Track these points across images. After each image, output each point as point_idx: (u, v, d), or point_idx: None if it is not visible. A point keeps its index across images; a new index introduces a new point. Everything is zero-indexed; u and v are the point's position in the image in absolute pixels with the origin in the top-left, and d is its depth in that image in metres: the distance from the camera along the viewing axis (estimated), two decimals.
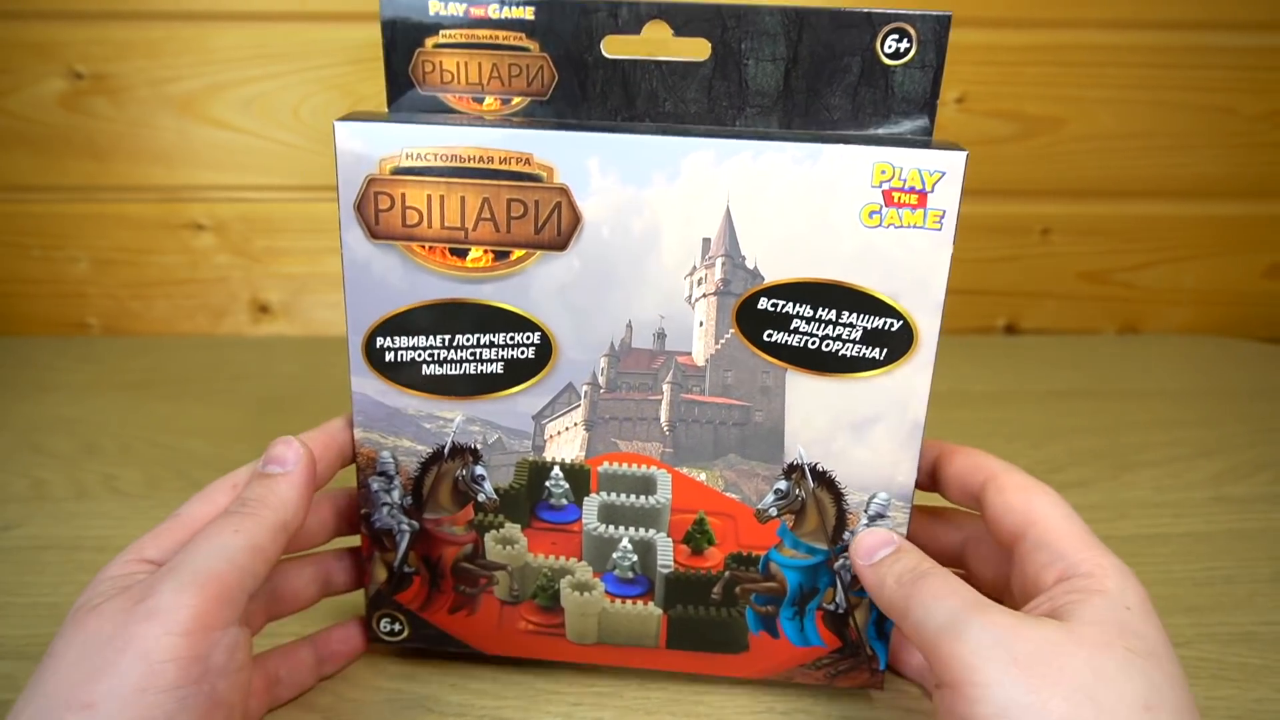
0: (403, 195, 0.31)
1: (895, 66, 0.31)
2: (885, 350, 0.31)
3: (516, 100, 0.33)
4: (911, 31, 0.31)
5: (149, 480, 0.52)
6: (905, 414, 0.32)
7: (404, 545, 0.35)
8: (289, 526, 0.31)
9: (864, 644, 0.35)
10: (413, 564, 0.36)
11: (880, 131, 0.32)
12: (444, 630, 0.37)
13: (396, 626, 0.37)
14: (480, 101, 0.33)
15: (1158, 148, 0.69)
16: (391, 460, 0.34)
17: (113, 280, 0.71)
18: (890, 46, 0.31)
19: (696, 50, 0.32)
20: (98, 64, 0.65)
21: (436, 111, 0.33)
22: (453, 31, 0.32)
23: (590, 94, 0.32)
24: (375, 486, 0.35)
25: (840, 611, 0.35)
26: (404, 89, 0.33)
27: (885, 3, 0.31)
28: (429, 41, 0.32)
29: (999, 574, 0.34)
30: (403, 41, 0.32)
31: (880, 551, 0.32)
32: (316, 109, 0.66)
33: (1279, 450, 0.57)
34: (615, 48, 0.32)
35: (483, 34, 0.32)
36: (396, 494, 0.35)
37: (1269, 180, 0.70)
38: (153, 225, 0.70)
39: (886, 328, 0.31)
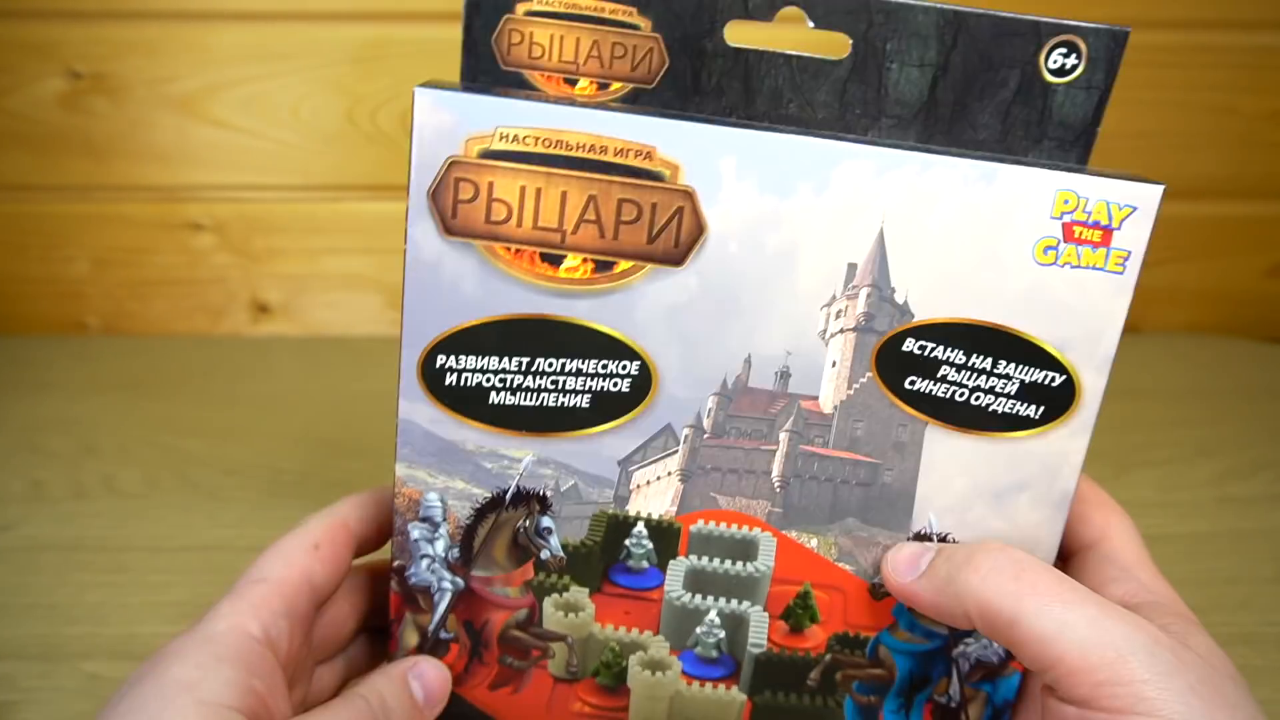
0: (490, 185, 0.26)
1: (1058, 85, 0.27)
2: (1042, 409, 0.27)
3: (616, 86, 0.28)
4: (1082, 46, 0.27)
5: (147, 480, 0.52)
6: (1054, 483, 0.28)
7: (443, 606, 0.30)
8: None
9: None
10: (451, 628, 0.31)
11: (1028, 160, 0.28)
12: (481, 709, 0.31)
13: None
14: (573, 83, 0.28)
15: (1158, 147, 0.69)
16: (439, 504, 0.29)
17: (111, 280, 0.71)
18: (1055, 61, 0.27)
19: (834, 47, 0.27)
20: (96, 63, 0.65)
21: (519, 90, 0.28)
22: None
23: (704, 86, 0.28)
24: (416, 534, 0.30)
25: (953, 706, 0.30)
26: (484, 63, 0.27)
27: (1054, 11, 0.27)
28: (520, 7, 0.27)
29: None
30: (489, 5, 0.27)
31: (924, 559, 0.28)
32: (316, 109, 0.66)
33: None
34: (740, 35, 0.27)
35: (586, 3, 0.27)
36: (441, 545, 0.30)
37: (1270, 180, 0.70)
38: (151, 225, 0.69)
39: (1047, 382, 0.27)
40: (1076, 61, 0.27)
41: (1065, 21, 0.27)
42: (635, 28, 0.27)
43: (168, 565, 0.45)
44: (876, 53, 0.27)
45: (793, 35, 0.29)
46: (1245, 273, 0.74)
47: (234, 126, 0.67)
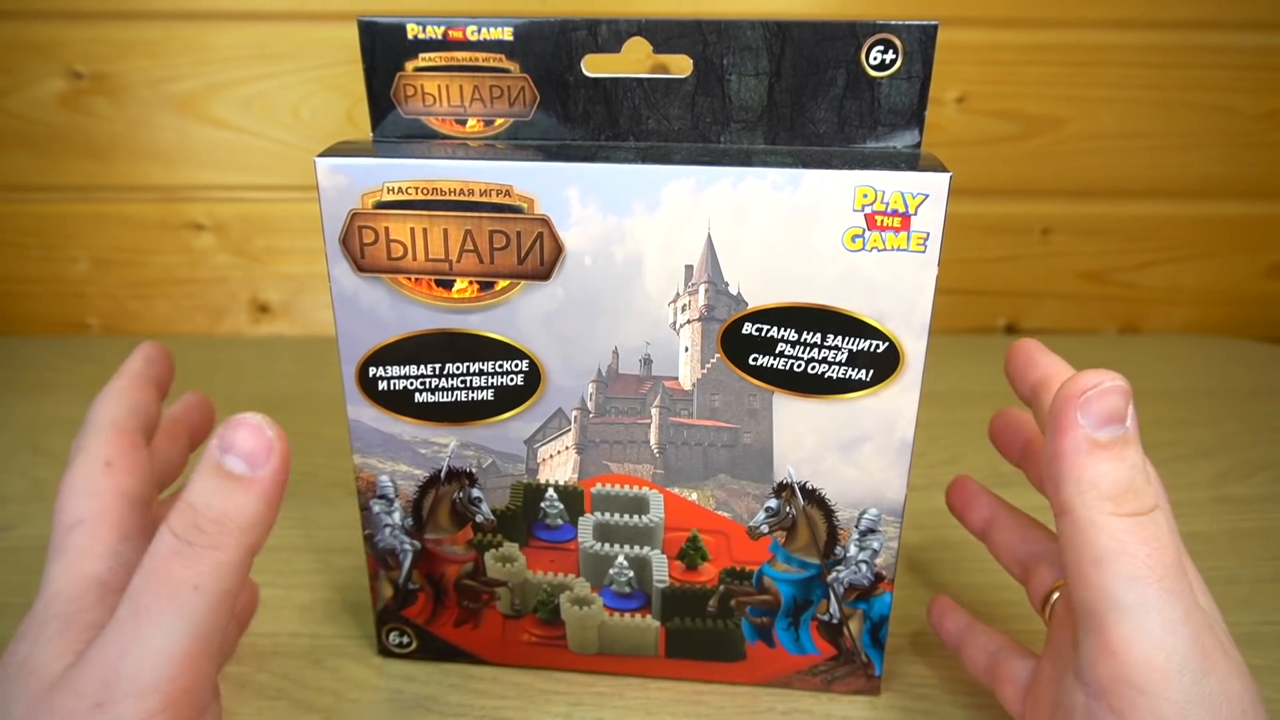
0: (386, 229, 0.31)
1: (881, 78, 0.31)
2: (871, 371, 0.31)
3: (499, 121, 0.33)
4: (897, 42, 0.30)
5: None
6: (893, 433, 0.32)
7: (407, 564, 0.36)
8: (255, 550, 0.26)
9: (859, 652, 0.36)
10: (417, 581, 0.37)
11: (868, 145, 0.32)
12: (450, 642, 0.38)
13: (405, 639, 0.38)
14: (463, 123, 0.33)
15: (1158, 147, 0.69)
16: (390, 484, 0.35)
17: (112, 280, 0.71)
18: (875, 58, 0.30)
19: (678, 67, 0.32)
20: (97, 64, 0.65)
21: (420, 135, 0.33)
22: (432, 55, 0.32)
23: (573, 113, 0.32)
24: (376, 509, 0.36)
25: (834, 622, 0.35)
26: (387, 112, 0.33)
27: (872, 13, 0.31)
28: (409, 65, 0.32)
29: (1018, 556, 0.34)
30: (383, 66, 0.32)
31: (1110, 428, 0.26)
32: (316, 109, 0.66)
33: None
34: (596, 66, 0.32)
35: (462, 56, 0.32)
36: (397, 516, 0.36)
37: (1269, 180, 0.70)
38: (152, 225, 0.69)
39: (872, 349, 0.31)
40: (894, 56, 0.30)
41: (879, 21, 0.30)
42: (507, 71, 0.32)
43: None
44: (716, 68, 0.31)
45: (641, 61, 0.31)
46: (1245, 273, 0.74)
47: (234, 126, 0.67)
